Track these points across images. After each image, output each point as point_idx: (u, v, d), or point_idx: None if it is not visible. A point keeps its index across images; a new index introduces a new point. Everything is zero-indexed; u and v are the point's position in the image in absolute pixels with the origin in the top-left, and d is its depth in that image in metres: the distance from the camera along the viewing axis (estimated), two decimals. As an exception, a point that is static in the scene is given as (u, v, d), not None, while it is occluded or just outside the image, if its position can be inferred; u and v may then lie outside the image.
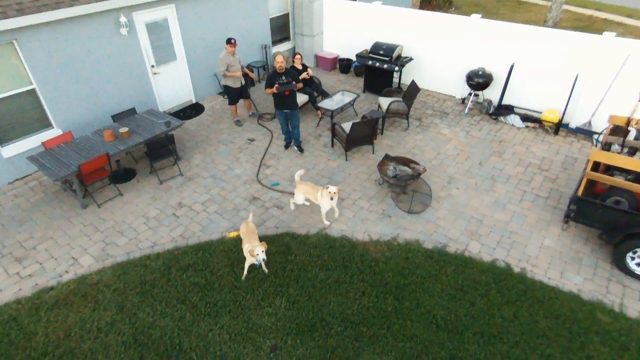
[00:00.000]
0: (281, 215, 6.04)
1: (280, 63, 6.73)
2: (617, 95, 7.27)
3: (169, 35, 8.24)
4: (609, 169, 5.51)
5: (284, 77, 6.81)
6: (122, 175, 6.85)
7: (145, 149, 6.83)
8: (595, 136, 7.73)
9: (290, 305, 4.64)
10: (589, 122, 7.83)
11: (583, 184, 5.09)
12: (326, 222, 5.80)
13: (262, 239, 5.51)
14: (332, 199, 5.40)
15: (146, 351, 4.17)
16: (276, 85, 6.72)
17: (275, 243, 5.47)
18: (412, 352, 4.18)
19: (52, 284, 4.94)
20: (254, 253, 4.52)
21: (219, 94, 9.69)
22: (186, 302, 4.68)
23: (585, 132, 7.89)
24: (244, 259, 5.01)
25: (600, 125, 7.60)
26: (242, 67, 8.01)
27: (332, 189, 5.41)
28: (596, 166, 5.55)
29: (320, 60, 11.06)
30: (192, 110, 8.95)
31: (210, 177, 6.89)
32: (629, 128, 6.03)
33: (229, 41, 7.60)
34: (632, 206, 5.02)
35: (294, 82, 6.80)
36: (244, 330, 4.38)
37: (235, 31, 9.32)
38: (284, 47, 11.06)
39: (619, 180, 4.93)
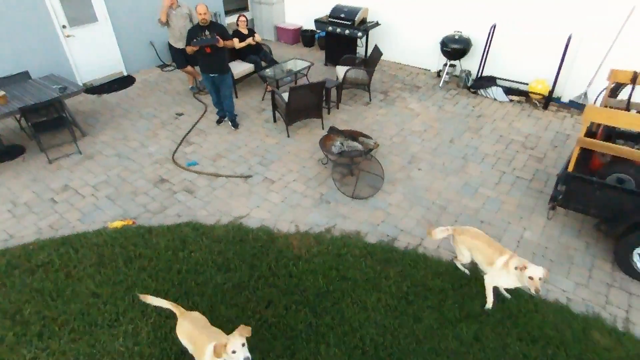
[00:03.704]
0: (189, 201, 4.70)
1: (202, 15, 5.39)
2: (619, 58, 5.93)
3: (84, -10, 6.90)
4: (610, 137, 4.18)
5: (207, 32, 5.48)
6: (3, 153, 5.50)
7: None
8: (593, 110, 6.40)
9: (162, 320, 3.30)
10: (585, 94, 6.51)
11: (574, 155, 3.75)
12: (489, 301, 3.40)
13: (156, 230, 4.18)
14: (536, 291, 2.89)
15: None
16: (194, 40, 5.40)
17: (168, 236, 4.12)
18: (322, 393, 2.85)
19: None
20: (226, 351, 2.37)
21: (158, 66, 8.35)
22: (16, 317, 3.33)
23: (580, 107, 6.56)
24: (117, 256, 3.71)
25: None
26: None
27: (537, 272, 2.92)
28: (592, 135, 4.24)
29: (280, 33, 9.71)
30: (120, 84, 7.60)
31: (114, 155, 5.54)
32: (636, 85, 4.63)
33: None
34: (641, 185, 3.72)
35: (217, 37, 5.45)
36: (84, 358, 3.04)
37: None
38: (240, 17, 9.70)
39: (624, 149, 3.56)
